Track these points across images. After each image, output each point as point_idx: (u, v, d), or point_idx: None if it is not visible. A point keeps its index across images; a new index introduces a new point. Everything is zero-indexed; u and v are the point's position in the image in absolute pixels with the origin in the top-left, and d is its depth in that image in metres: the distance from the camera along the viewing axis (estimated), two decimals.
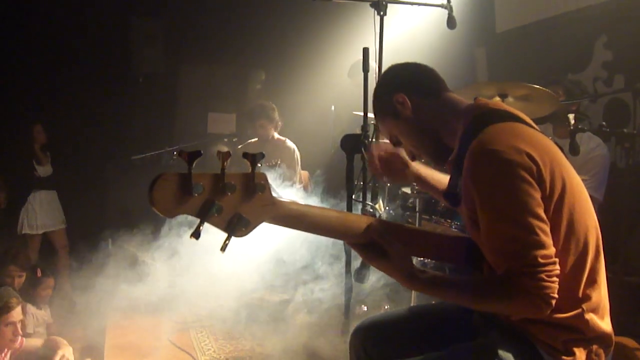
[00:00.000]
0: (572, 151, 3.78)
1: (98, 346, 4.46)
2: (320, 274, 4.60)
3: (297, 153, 6.60)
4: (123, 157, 7.45)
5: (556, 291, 1.78)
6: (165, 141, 8.00)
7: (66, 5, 7.75)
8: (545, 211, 1.84)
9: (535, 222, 1.78)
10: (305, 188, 6.77)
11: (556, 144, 2.09)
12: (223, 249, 1.60)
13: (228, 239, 1.59)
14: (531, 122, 2.10)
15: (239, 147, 7.00)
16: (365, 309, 3.52)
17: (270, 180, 1.67)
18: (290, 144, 6.63)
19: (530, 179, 1.81)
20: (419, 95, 2.19)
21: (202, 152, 1.49)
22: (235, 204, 1.59)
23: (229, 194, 1.56)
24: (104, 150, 8.05)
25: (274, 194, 1.70)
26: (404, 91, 2.18)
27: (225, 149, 7.19)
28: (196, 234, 1.52)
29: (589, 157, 4.39)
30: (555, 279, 1.78)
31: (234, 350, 4.46)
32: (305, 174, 6.88)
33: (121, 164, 7.55)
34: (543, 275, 1.75)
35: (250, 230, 1.64)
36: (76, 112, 7.76)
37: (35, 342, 4.08)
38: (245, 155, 1.59)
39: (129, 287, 5.15)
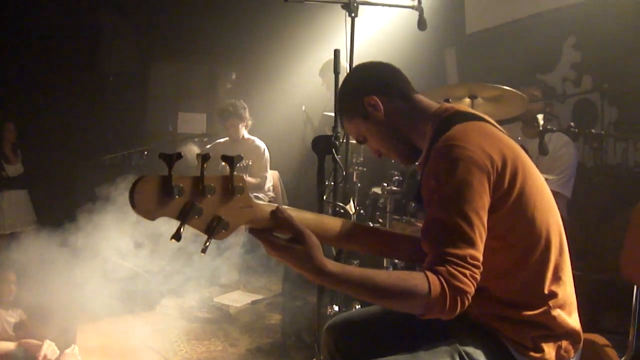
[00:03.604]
0: (541, 151, 3.82)
1: (68, 344, 4.41)
2: (291, 274, 4.61)
3: (266, 152, 6.60)
4: (94, 156, 7.40)
5: (470, 298, 1.74)
6: (135, 141, 7.98)
7: (37, 4, 7.70)
8: (502, 208, 1.86)
9: (476, 221, 1.78)
10: (275, 187, 6.79)
11: (522, 146, 2.10)
12: (204, 251, 1.58)
13: (208, 240, 1.57)
14: (496, 124, 2.11)
15: (208, 146, 6.98)
16: (336, 308, 3.52)
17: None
18: (259, 143, 6.64)
19: (485, 182, 1.82)
20: (390, 97, 2.19)
21: (182, 154, 1.47)
22: (215, 206, 1.58)
23: (209, 196, 1.55)
24: (75, 149, 7.99)
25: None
26: (375, 93, 2.18)
27: (195, 148, 7.19)
28: (177, 237, 1.50)
29: (556, 155, 4.45)
30: (474, 284, 1.75)
31: (205, 350, 4.44)
32: (275, 173, 6.90)
33: (92, 163, 7.50)
34: (466, 272, 1.73)
35: (230, 233, 1.62)
36: (47, 110, 7.73)
37: (8, 345, 4.02)
38: (224, 157, 1.57)
39: (99, 288, 5.12)
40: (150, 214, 1.48)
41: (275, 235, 1.74)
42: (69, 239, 5.17)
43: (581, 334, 2.03)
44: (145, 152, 6.73)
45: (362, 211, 4.73)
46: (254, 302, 5.63)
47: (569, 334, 1.97)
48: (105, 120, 8.38)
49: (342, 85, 2.37)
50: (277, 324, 4.96)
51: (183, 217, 1.52)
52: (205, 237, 1.59)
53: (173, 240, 1.50)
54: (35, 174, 7.24)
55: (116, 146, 7.13)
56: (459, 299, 1.72)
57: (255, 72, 8.54)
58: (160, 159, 1.47)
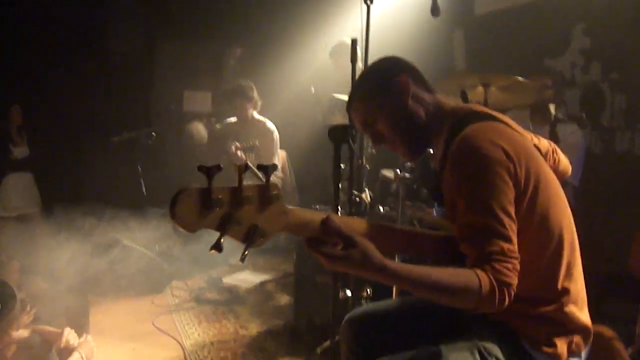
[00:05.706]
0: (553, 140, 3.85)
1: (81, 331, 4.44)
2: (304, 256, 4.64)
3: (276, 135, 6.56)
4: (100, 137, 7.40)
5: (515, 287, 1.81)
6: (141, 120, 7.99)
7: None
8: (518, 208, 1.90)
9: (505, 218, 1.83)
10: (282, 168, 6.77)
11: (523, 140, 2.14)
12: (242, 259, 1.64)
13: (246, 249, 1.63)
14: (511, 122, 2.16)
15: (218, 126, 6.98)
16: (349, 292, 3.55)
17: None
18: (270, 125, 6.57)
19: (507, 177, 1.87)
20: (419, 86, 2.23)
21: (222, 166, 1.51)
22: (252, 215, 1.62)
23: (247, 206, 1.59)
24: (82, 130, 7.99)
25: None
26: (408, 76, 2.22)
27: (201, 127, 7.18)
28: (218, 247, 1.55)
29: (565, 143, 4.46)
30: (516, 274, 1.81)
31: (217, 333, 4.48)
32: (282, 153, 6.87)
33: (99, 145, 7.50)
34: (509, 266, 1.79)
35: (267, 240, 1.68)
36: (53, 91, 7.69)
37: (21, 333, 3.96)
38: (260, 167, 1.62)
39: (109, 271, 5.17)
40: (191, 227, 1.53)
41: (330, 248, 1.76)
42: (75, 222, 5.20)
43: (591, 329, 2.08)
44: (153, 133, 6.71)
45: (371, 194, 4.75)
46: (262, 283, 5.67)
47: (580, 330, 2.03)
48: (111, 100, 8.34)
49: (373, 64, 2.38)
50: (287, 305, 5.00)
51: (222, 228, 1.56)
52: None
53: (213, 251, 1.55)
54: (41, 156, 7.23)
55: (122, 126, 7.10)
56: (505, 291, 1.78)
57: (261, 48, 8.46)
58: (199, 172, 1.50)
